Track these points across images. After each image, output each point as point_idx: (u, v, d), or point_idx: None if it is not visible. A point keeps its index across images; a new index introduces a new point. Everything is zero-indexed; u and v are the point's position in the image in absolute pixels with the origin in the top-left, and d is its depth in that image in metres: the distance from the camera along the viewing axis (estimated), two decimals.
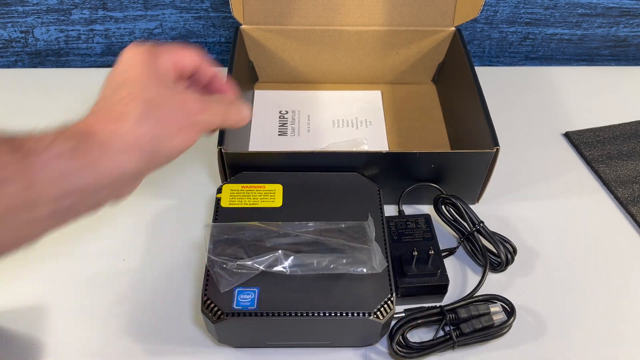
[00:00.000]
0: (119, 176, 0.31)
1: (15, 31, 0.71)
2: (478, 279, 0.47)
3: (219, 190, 0.47)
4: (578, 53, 0.78)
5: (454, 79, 0.63)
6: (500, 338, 0.44)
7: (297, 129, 0.61)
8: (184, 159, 0.59)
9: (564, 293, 0.48)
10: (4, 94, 0.67)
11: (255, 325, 0.40)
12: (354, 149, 0.54)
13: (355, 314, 0.39)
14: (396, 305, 0.41)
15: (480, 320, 0.43)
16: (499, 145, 0.48)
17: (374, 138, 0.60)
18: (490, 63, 0.78)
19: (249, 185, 0.47)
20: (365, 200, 0.47)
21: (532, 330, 0.46)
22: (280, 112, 0.63)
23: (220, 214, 0.45)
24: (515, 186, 0.57)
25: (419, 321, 0.44)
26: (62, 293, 0.47)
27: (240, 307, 0.39)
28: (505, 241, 0.49)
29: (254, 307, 0.39)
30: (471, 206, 0.50)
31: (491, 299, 0.45)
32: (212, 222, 0.44)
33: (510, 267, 0.49)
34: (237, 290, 0.40)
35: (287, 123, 0.61)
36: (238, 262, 0.40)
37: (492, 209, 0.54)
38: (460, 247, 0.51)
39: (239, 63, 0.59)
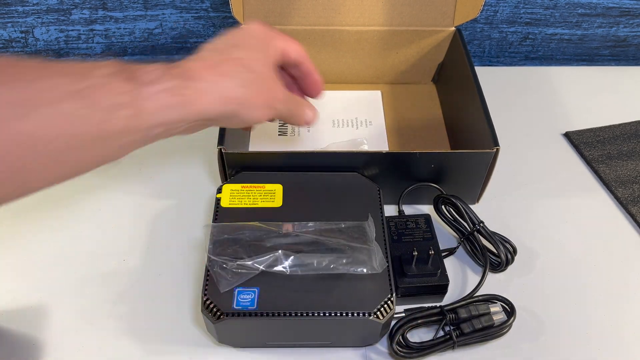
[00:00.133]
0: (202, 119, 0.35)
1: (15, 31, 0.71)
2: (478, 279, 0.47)
3: (219, 190, 0.47)
4: (578, 53, 0.78)
5: (454, 79, 0.63)
6: (500, 338, 0.44)
7: (297, 129, 0.61)
8: (184, 159, 0.59)
9: (563, 293, 0.48)
10: None
11: (255, 325, 0.40)
12: (354, 149, 0.54)
13: (355, 314, 0.39)
14: (396, 305, 0.41)
15: (480, 320, 0.43)
16: (499, 145, 0.48)
17: (374, 138, 0.60)
18: (490, 63, 0.78)
19: (249, 185, 0.47)
20: (365, 200, 0.47)
21: (532, 330, 0.46)
22: None
23: (220, 214, 0.45)
24: (515, 186, 0.57)
25: (419, 321, 0.44)
26: (62, 293, 0.47)
27: (240, 307, 0.39)
28: (505, 241, 0.49)
29: (254, 307, 0.39)
30: (471, 206, 0.50)
31: (491, 299, 0.45)
32: (212, 222, 0.44)
33: (510, 267, 0.49)
34: (237, 290, 0.40)
35: (287, 123, 0.61)
36: (238, 262, 0.40)
37: (492, 209, 0.54)
38: (460, 247, 0.51)
39: None
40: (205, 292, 0.40)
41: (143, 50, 0.74)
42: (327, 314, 0.39)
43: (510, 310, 0.44)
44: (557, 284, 0.49)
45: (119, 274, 0.49)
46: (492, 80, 0.65)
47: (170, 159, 0.59)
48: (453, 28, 0.63)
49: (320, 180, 0.48)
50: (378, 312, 0.39)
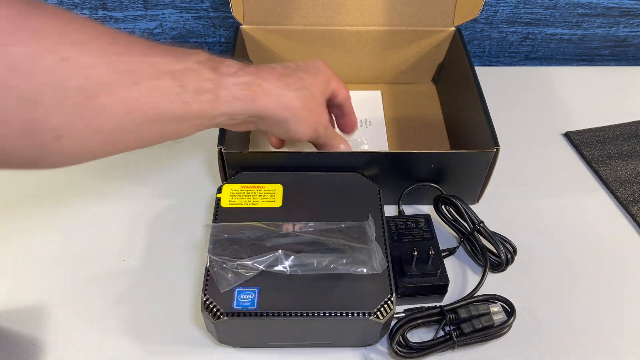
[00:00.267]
0: (258, 117, 0.40)
1: None
2: (478, 279, 0.47)
3: (219, 190, 0.47)
4: (578, 53, 0.78)
5: (454, 79, 0.63)
6: (500, 338, 0.44)
7: None
8: (184, 159, 0.59)
9: (564, 293, 0.48)
10: None
11: (255, 325, 0.40)
12: (354, 149, 0.54)
13: (355, 314, 0.39)
14: (396, 305, 0.41)
15: (480, 320, 0.43)
16: (499, 145, 0.48)
17: (374, 138, 0.60)
18: (490, 63, 0.78)
19: (249, 185, 0.47)
20: (365, 200, 0.47)
21: (532, 330, 0.46)
22: None
23: (220, 213, 0.45)
24: (515, 186, 0.57)
25: (419, 321, 0.44)
26: (62, 293, 0.47)
27: (240, 307, 0.39)
28: (505, 241, 0.49)
29: (254, 307, 0.39)
30: (471, 206, 0.50)
31: (491, 299, 0.45)
32: (212, 222, 0.44)
33: (510, 267, 0.49)
34: (237, 290, 0.40)
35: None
36: (238, 262, 0.40)
37: (492, 209, 0.54)
38: (460, 247, 0.51)
39: None
40: (205, 292, 0.40)
41: None
42: (327, 314, 0.39)
43: (510, 310, 0.44)
44: (557, 284, 0.49)
45: (119, 274, 0.49)
46: (492, 80, 0.65)
47: (170, 159, 0.59)
48: (453, 28, 0.63)
49: (320, 180, 0.48)
50: (378, 312, 0.39)
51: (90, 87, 0.30)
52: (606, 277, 0.50)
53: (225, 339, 0.42)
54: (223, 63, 0.37)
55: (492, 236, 0.48)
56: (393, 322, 0.43)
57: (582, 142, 0.62)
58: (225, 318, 0.38)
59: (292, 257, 0.40)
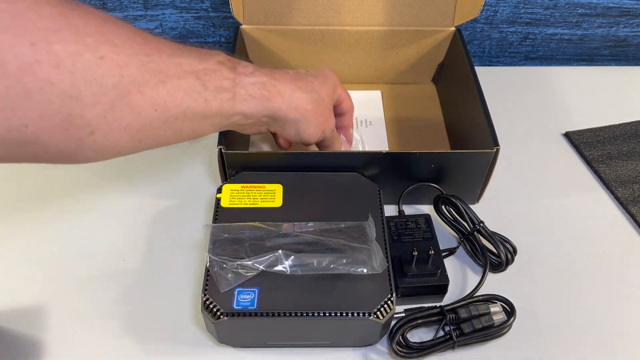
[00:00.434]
0: (271, 117, 0.41)
1: None
2: (478, 279, 0.47)
3: (219, 190, 0.47)
4: (578, 53, 0.78)
5: (454, 79, 0.63)
6: (500, 338, 0.44)
7: None
8: (184, 159, 0.59)
9: (564, 293, 0.48)
10: None
11: (255, 325, 0.40)
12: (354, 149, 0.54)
13: (356, 314, 0.39)
14: (396, 305, 0.41)
15: (480, 320, 0.43)
16: (499, 145, 0.48)
17: (374, 138, 0.60)
18: (490, 63, 0.78)
19: (249, 185, 0.47)
20: (365, 200, 0.47)
21: (532, 330, 0.46)
22: None
23: (220, 214, 0.45)
24: (515, 186, 0.57)
25: (419, 321, 0.44)
26: (62, 293, 0.47)
27: (240, 307, 0.39)
28: (505, 241, 0.49)
29: (254, 307, 0.39)
30: (471, 206, 0.50)
31: (491, 299, 0.45)
32: (212, 222, 0.44)
33: (510, 267, 0.49)
34: (237, 290, 0.40)
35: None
36: (238, 262, 0.40)
37: (492, 209, 0.54)
38: (460, 247, 0.51)
39: None
40: (205, 292, 0.40)
41: None
42: (327, 314, 0.39)
43: (510, 310, 0.44)
44: (557, 284, 0.49)
45: (119, 274, 0.49)
46: (492, 80, 0.65)
47: (170, 159, 0.59)
48: (453, 28, 0.63)
49: (320, 180, 0.48)
50: (378, 312, 0.39)
51: (124, 85, 0.31)
52: (606, 277, 0.50)
53: (225, 339, 0.42)
54: (240, 64, 0.39)
55: (492, 236, 0.48)
56: (393, 322, 0.43)
57: (582, 142, 0.62)
58: (225, 318, 0.38)
59: (292, 257, 0.40)
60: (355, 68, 0.67)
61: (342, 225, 0.43)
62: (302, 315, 0.39)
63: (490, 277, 0.49)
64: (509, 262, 0.48)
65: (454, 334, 0.43)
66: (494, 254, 0.48)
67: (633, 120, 0.65)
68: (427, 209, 0.54)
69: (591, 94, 0.69)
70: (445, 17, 0.62)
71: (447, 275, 0.46)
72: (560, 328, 0.46)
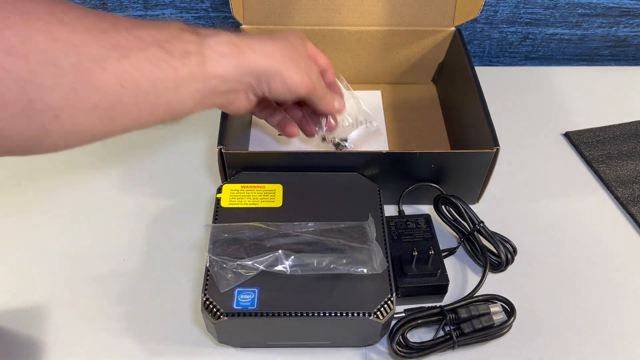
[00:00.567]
0: (251, 73, 0.39)
1: None
2: (478, 279, 0.47)
3: (219, 190, 0.47)
4: (578, 53, 0.78)
5: (454, 79, 0.63)
6: (500, 338, 0.44)
7: None
8: (184, 159, 0.59)
9: (564, 293, 0.48)
10: None
11: (255, 325, 0.40)
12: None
13: (356, 314, 0.39)
14: (396, 305, 0.41)
15: (480, 320, 0.43)
16: (499, 145, 0.48)
17: (374, 138, 0.60)
18: (490, 63, 0.78)
19: (249, 185, 0.47)
20: (365, 200, 0.47)
21: (532, 330, 0.46)
22: None
23: (220, 214, 0.45)
24: (515, 186, 0.57)
25: (419, 321, 0.44)
26: (62, 293, 0.47)
27: (240, 307, 0.39)
28: (505, 241, 0.49)
29: (254, 307, 0.39)
30: (471, 206, 0.50)
31: (491, 299, 0.45)
32: (212, 222, 0.44)
33: (510, 267, 0.49)
34: (237, 290, 0.40)
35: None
36: (238, 262, 0.40)
37: (492, 209, 0.54)
38: (460, 247, 0.51)
39: None
40: (205, 292, 0.40)
41: None
42: (327, 314, 0.39)
43: (510, 310, 0.44)
44: (557, 283, 0.49)
45: (119, 274, 0.49)
46: (492, 80, 0.65)
47: (171, 159, 0.59)
48: (453, 28, 0.63)
49: (320, 180, 0.48)
50: (378, 312, 0.39)
51: (84, 64, 0.30)
52: (606, 277, 0.50)
53: (225, 339, 0.42)
54: (201, 28, 0.38)
55: (492, 236, 0.48)
56: (393, 322, 0.43)
57: (582, 142, 0.62)
58: (225, 318, 0.38)
59: (292, 257, 0.40)
60: (355, 68, 0.67)
61: (342, 225, 0.43)
62: (302, 315, 0.39)
63: (490, 277, 0.49)
64: (509, 262, 0.48)
65: (454, 334, 0.43)
66: (494, 254, 0.48)
67: (633, 120, 0.65)
68: (427, 209, 0.54)
69: (591, 94, 0.69)
70: (445, 17, 0.62)
71: (447, 275, 0.46)
72: (560, 328, 0.46)
